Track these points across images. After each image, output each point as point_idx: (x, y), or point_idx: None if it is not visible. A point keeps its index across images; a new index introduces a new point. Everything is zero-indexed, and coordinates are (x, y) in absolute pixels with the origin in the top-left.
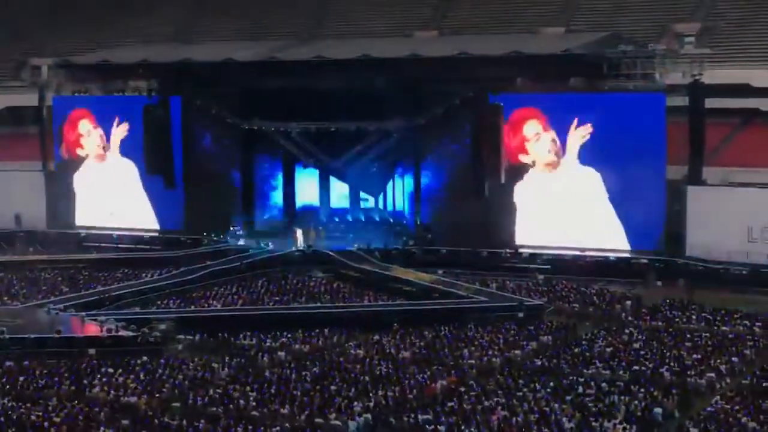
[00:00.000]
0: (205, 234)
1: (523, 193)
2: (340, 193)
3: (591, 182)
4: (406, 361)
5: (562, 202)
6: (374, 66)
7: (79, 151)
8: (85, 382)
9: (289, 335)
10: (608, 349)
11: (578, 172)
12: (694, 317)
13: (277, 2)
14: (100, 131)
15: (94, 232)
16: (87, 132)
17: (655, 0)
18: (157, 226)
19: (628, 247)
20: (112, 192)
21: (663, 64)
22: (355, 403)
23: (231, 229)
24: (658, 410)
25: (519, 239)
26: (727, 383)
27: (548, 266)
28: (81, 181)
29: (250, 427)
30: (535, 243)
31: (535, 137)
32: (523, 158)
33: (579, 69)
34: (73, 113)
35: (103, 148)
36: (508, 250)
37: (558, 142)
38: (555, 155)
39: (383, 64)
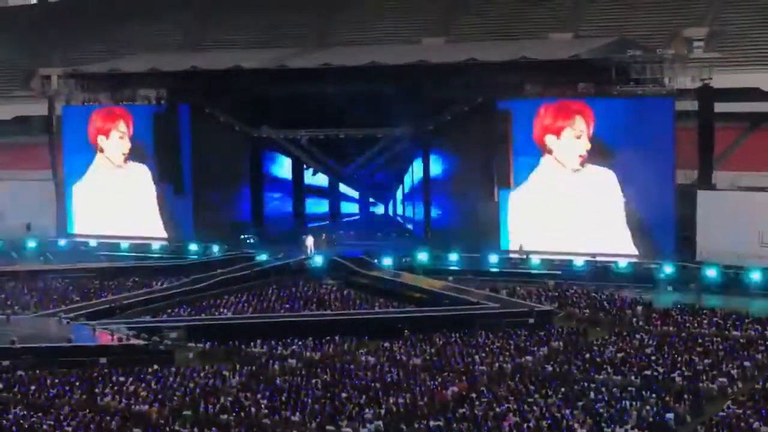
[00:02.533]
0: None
1: (526, 196)
2: (349, 200)
3: (605, 182)
4: (417, 368)
5: (572, 204)
6: (382, 73)
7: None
8: (97, 390)
9: (299, 343)
10: (619, 355)
11: (592, 171)
12: (705, 322)
13: (285, 10)
14: (127, 143)
15: (103, 240)
16: (117, 135)
17: (663, 5)
18: (166, 234)
19: (637, 251)
20: (121, 200)
21: (672, 68)
22: (366, 411)
23: (241, 236)
24: (669, 415)
25: (528, 245)
26: (739, 388)
27: (559, 272)
28: (86, 187)
29: None
30: (545, 248)
31: (573, 135)
32: (549, 143)
33: (588, 74)
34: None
35: (124, 157)
36: (518, 256)
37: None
38: (580, 164)
39: (391, 71)
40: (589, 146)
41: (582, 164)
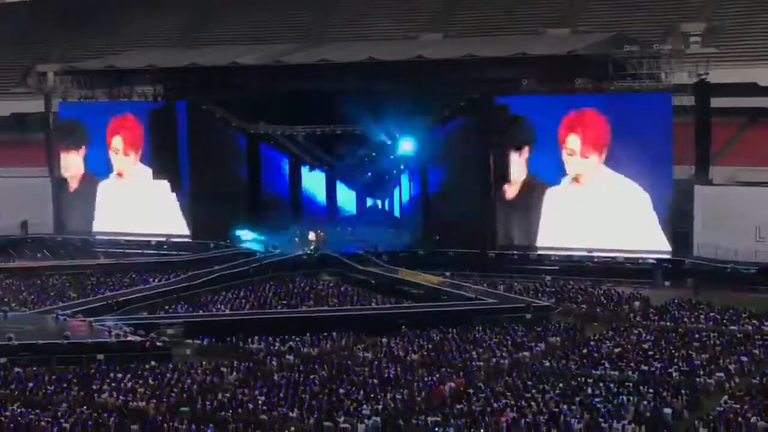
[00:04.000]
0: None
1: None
2: (346, 196)
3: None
4: (415, 364)
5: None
6: (380, 69)
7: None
8: (94, 387)
9: (297, 339)
10: (616, 350)
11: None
12: (702, 317)
13: (282, 6)
14: (133, 155)
15: (101, 237)
16: (119, 150)
17: (660, 0)
18: (165, 231)
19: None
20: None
21: (669, 63)
22: (364, 406)
23: (238, 232)
24: (667, 410)
25: (525, 241)
26: (736, 383)
27: (556, 267)
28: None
29: (258, 431)
30: (543, 244)
31: (570, 152)
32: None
33: (585, 70)
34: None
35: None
36: (515, 252)
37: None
38: (574, 179)
39: (389, 67)
40: (591, 161)
41: (575, 182)
